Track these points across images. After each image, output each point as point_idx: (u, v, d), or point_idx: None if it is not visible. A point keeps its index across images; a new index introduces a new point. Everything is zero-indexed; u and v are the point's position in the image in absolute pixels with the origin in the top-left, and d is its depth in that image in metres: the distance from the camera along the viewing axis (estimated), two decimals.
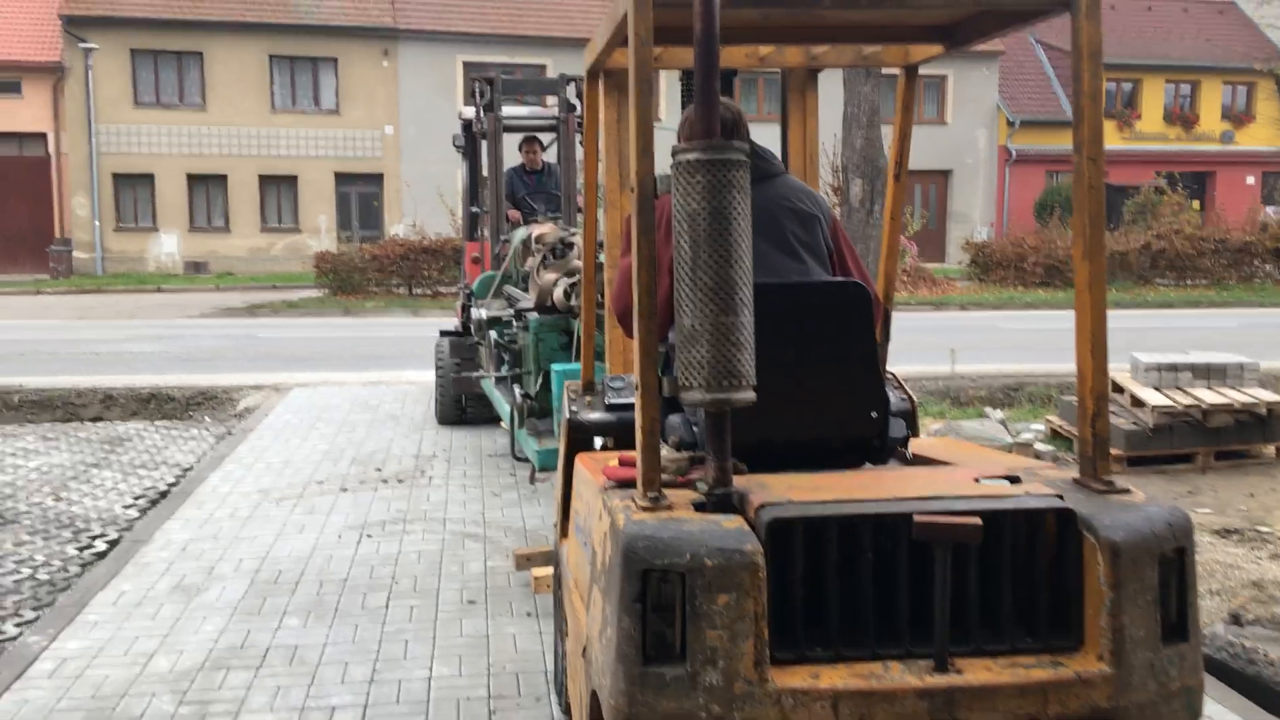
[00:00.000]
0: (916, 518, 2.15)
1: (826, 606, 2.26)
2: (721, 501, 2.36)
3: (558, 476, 3.89)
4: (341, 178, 30.32)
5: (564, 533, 3.78)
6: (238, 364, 12.63)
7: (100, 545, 5.90)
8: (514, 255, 7.23)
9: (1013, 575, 2.29)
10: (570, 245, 5.39)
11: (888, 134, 22.85)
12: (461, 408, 8.83)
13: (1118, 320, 15.33)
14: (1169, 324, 17.11)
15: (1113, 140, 36.00)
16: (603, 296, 3.88)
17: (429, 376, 10.86)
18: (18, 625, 4.79)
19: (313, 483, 7.14)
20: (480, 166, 9.57)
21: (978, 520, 2.14)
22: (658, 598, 2.24)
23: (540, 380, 5.06)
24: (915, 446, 3.16)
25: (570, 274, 5.16)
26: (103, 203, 28.84)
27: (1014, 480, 2.47)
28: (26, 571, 5.48)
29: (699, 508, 2.38)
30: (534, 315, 5.10)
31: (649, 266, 2.41)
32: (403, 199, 29.77)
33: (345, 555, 5.66)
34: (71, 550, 5.81)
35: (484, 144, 8.71)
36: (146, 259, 29.30)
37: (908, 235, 27.19)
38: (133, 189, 29.39)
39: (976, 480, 2.47)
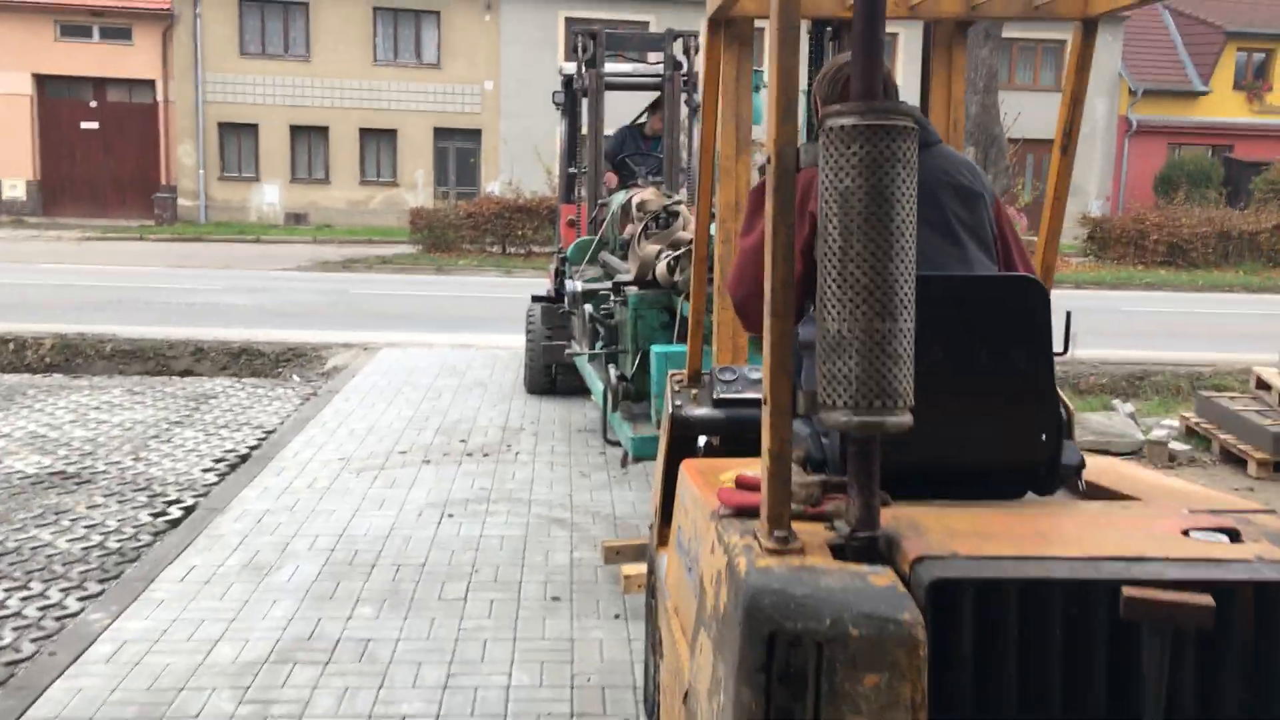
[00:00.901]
0: (1126, 591, 1.68)
1: (1000, 692, 1.81)
2: (867, 548, 1.92)
3: (656, 475, 3.48)
4: (440, 133, 30.17)
5: (662, 540, 3.37)
6: (329, 320, 12.46)
7: (175, 512, 5.67)
8: (612, 221, 6.81)
9: (1241, 664, 1.81)
10: (675, 214, 4.95)
11: (1004, 99, 21.92)
12: (551, 377, 8.47)
13: (1247, 305, 14.28)
14: None
15: (1241, 113, 34.29)
16: (714, 275, 3.44)
17: (519, 341, 10.55)
18: (81, 599, 4.55)
19: (395, 452, 6.84)
20: (580, 125, 9.16)
21: (1208, 599, 1.66)
22: (785, 666, 1.80)
23: (638, 361, 4.65)
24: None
25: (674, 246, 4.72)
26: (207, 151, 29.11)
27: (1233, 536, 1.98)
28: (97, 539, 5.25)
29: (838, 553, 1.94)
30: (633, 289, 4.69)
31: (787, 256, 1.96)
32: (500, 156, 29.55)
33: (424, 536, 5.33)
34: (145, 516, 5.58)
35: (584, 101, 8.27)
36: (248, 208, 29.55)
37: (1018, 207, 26.17)
38: (237, 138, 29.61)
39: (1186, 533, 1.98)
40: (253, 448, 6.94)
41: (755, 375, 3.33)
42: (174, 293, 14.28)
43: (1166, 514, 2.16)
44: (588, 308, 4.99)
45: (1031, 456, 2.37)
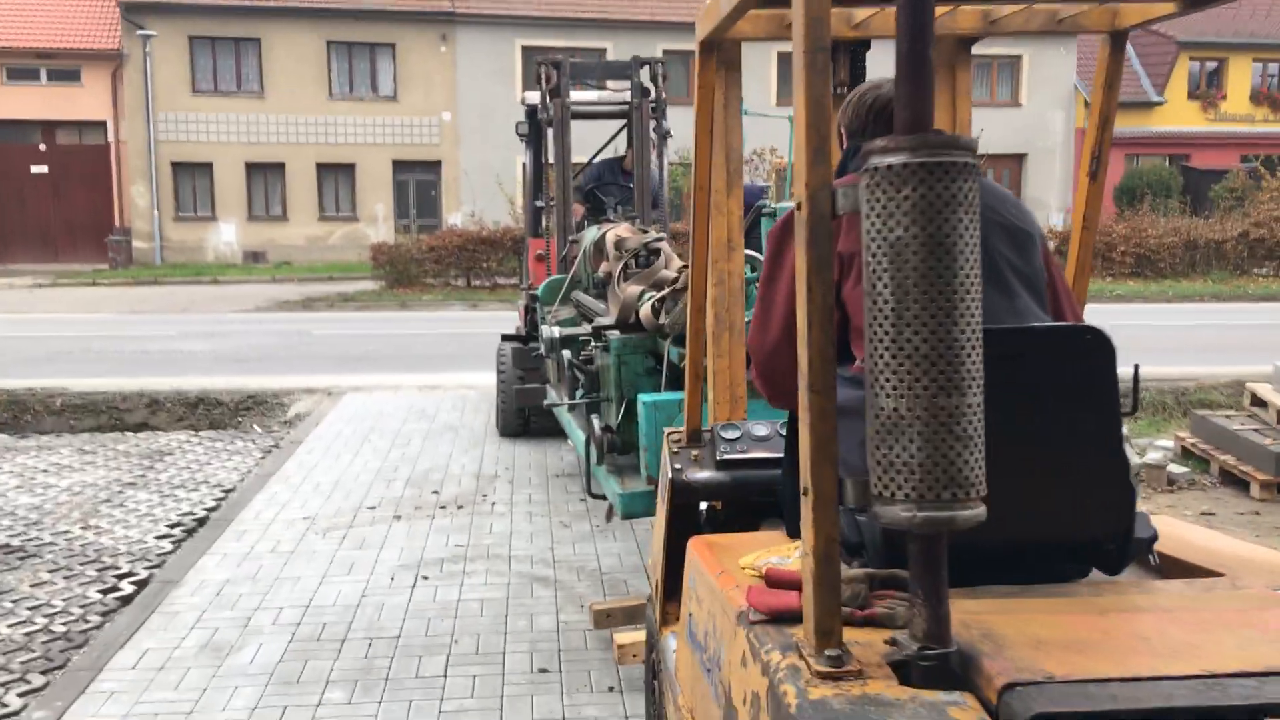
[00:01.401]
0: None
1: None
2: (939, 669, 1.60)
3: (655, 544, 3.15)
4: (399, 165, 29.81)
5: (665, 618, 3.04)
6: (290, 364, 12.03)
7: (126, 587, 5.26)
8: (584, 258, 6.49)
9: None
10: (656, 252, 4.65)
11: (1010, 115, 21.78)
12: (525, 420, 8.13)
13: (1219, 315, 14.01)
14: (1275, 319, 16.00)
15: (1196, 122, 34.56)
16: (705, 319, 3.11)
17: (488, 380, 10.21)
18: (22, 695, 4.15)
19: (364, 508, 6.46)
20: (545, 155, 8.85)
21: None
22: None
23: (623, 410, 4.33)
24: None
25: (657, 286, 4.41)
26: (161, 191, 28.58)
27: None
28: (41, 621, 4.84)
29: (901, 673, 1.62)
30: (615, 334, 4.36)
31: (824, 322, 1.64)
32: (461, 187, 29.22)
33: (398, 604, 4.96)
34: (94, 593, 5.18)
35: (549, 131, 7.97)
36: (205, 248, 29.02)
37: None
38: (191, 177, 29.10)
39: None
40: (211, 509, 6.53)
41: (761, 431, 3.02)
42: (127, 341, 13.80)
43: (1270, 602, 1.86)
44: (565, 353, 4.66)
45: (1100, 531, 2.07)
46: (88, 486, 7.04)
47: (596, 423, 4.34)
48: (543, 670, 4.28)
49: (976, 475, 1.57)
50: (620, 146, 9.12)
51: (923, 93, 1.59)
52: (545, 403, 4.75)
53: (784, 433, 3.01)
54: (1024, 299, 2.17)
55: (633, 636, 4.05)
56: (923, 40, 1.59)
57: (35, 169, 28.62)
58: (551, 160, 7.86)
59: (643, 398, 4.02)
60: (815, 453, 1.66)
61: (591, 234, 6.67)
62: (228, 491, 6.92)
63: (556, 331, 4.62)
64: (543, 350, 4.64)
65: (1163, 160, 33.92)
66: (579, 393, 4.71)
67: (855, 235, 2.20)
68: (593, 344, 4.41)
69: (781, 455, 2.95)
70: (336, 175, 29.88)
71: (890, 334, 1.57)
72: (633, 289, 4.40)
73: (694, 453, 3.00)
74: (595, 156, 9.11)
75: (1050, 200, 33.05)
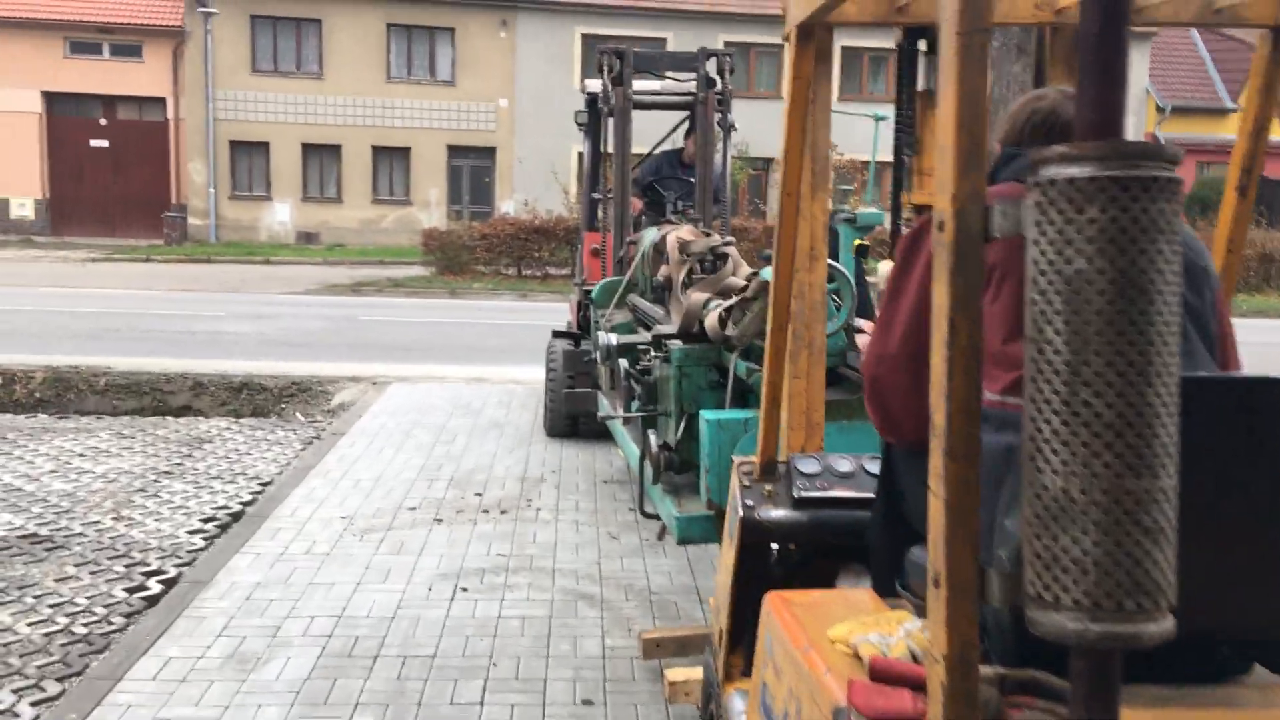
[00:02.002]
0: None
1: None
2: None
3: (721, 590, 2.82)
4: (454, 151, 29.66)
5: (730, 673, 2.72)
6: (336, 350, 11.84)
7: (154, 586, 5.02)
8: (643, 259, 6.18)
9: None
10: (723, 257, 4.31)
11: None
12: (573, 421, 7.83)
13: None
14: None
15: (1273, 131, 33.54)
16: (782, 338, 2.77)
17: (537, 375, 9.92)
18: (35, 704, 3.91)
19: (404, 509, 6.19)
20: (604, 146, 8.54)
21: None
22: None
23: (682, 426, 4.01)
24: None
25: (724, 294, 4.08)
26: (219, 170, 28.64)
27: None
28: (62, 621, 4.61)
29: None
30: (676, 344, 4.04)
31: (970, 365, 1.31)
32: (515, 175, 29.00)
33: (435, 618, 4.68)
34: (120, 591, 4.94)
35: (610, 121, 7.65)
36: (259, 227, 29.06)
37: None
38: (248, 156, 29.15)
39: None
40: (246, 503, 6.29)
41: (844, 466, 2.68)
42: (175, 320, 13.69)
43: None
44: (623, 362, 4.35)
45: (1272, 622, 1.71)
46: (123, 474, 6.83)
47: (653, 438, 4.02)
48: (586, 702, 3.97)
49: (1167, 580, 1.24)
50: (679, 139, 8.79)
51: (1114, 90, 1.25)
52: (600, 415, 4.43)
53: (872, 469, 2.68)
54: (1196, 345, 1.83)
55: (686, 673, 3.73)
56: (1117, 24, 1.25)
57: (95, 143, 28.81)
58: (610, 151, 7.53)
59: (705, 414, 3.70)
60: (952, 534, 1.33)
61: (650, 235, 6.35)
62: (265, 485, 6.68)
63: (614, 339, 4.30)
64: (597, 357, 4.33)
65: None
66: (634, 405, 4.39)
67: (999, 247, 1.88)
68: (652, 354, 4.09)
69: (868, 496, 2.62)
70: (391, 159, 29.79)
71: (1062, 394, 1.24)
72: (697, 296, 4.07)
73: (767, 487, 2.67)
74: (655, 148, 8.80)
75: None
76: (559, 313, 15.58)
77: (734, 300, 3.91)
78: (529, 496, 6.49)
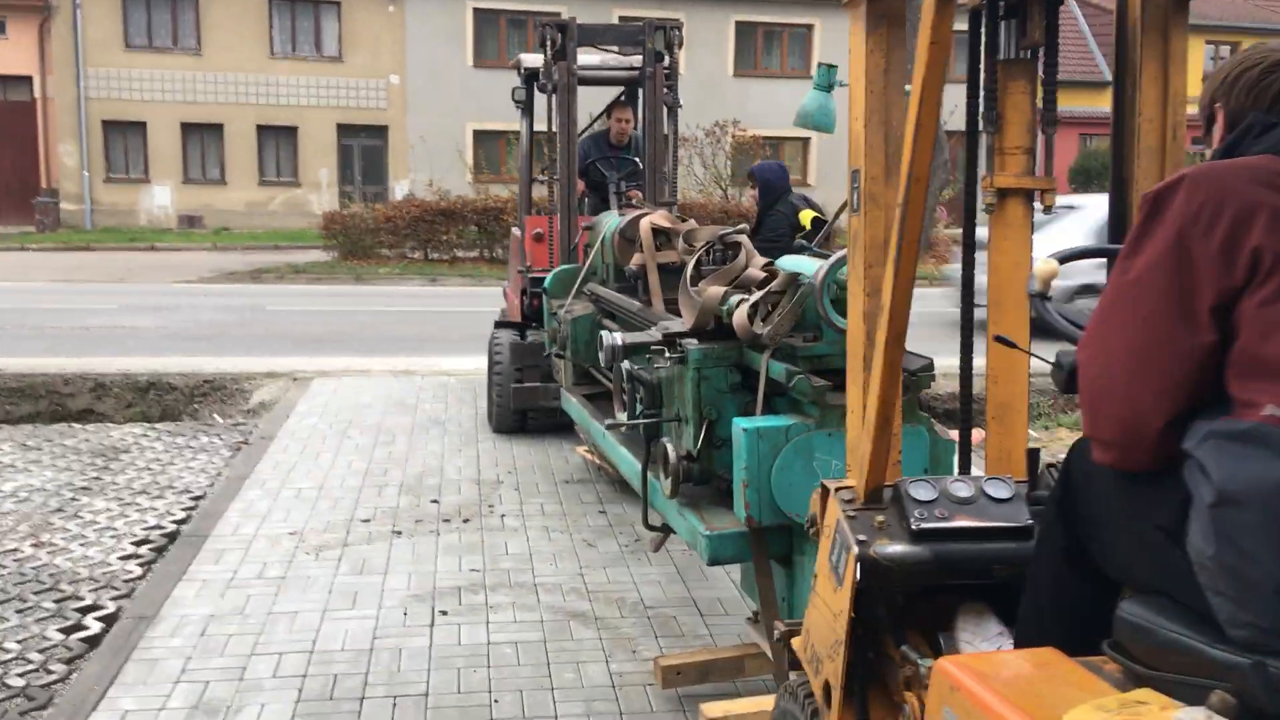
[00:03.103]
0: None
1: None
2: None
3: (820, 636, 2.47)
4: (344, 130, 28.70)
5: None
6: (245, 344, 11.16)
7: (92, 624, 4.48)
8: (606, 246, 5.79)
9: None
10: (735, 246, 3.96)
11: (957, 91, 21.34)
12: (522, 416, 7.42)
13: None
14: None
15: None
16: (898, 350, 2.41)
17: (468, 366, 9.50)
18: None
19: (356, 522, 5.72)
20: (525, 127, 8.10)
21: None
22: None
23: (703, 434, 3.66)
24: None
25: (743, 286, 3.73)
26: (91, 151, 27.19)
27: None
28: None
29: None
30: (692, 343, 3.68)
31: None
32: (410, 154, 28.16)
33: (419, 647, 4.25)
34: (54, 632, 4.39)
35: (552, 100, 7.21)
36: (138, 211, 27.71)
37: (941, 201, 25.70)
38: (123, 137, 27.75)
39: None
40: (180, 522, 5.74)
41: (960, 491, 2.36)
42: (65, 314, 12.79)
43: None
44: (624, 364, 3.97)
45: None
46: (35, 491, 6.19)
47: (670, 448, 3.66)
48: None
49: None
50: (602, 120, 8.40)
51: None
52: (607, 423, 4.04)
53: (995, 492, 2.37)
54: None
55: (725, 708, 3.40)
56: None
57: None
58: (556, 129, 7.11)
59: (741, 423, 3.35)
60: None
61: (611, 221, 5.96)
62: (197, 499, 6.12)
63: (619, 338, 3.92)
64: (602, 360, 3.95)
65: None
66: (637, 410, 4.02)
67: (1267, 225, 1.57)
68: (666, 354, 3.73)
69: (996, 525, 2.31)
70: (277, 138, 28.70)
71: None
72: (714, 290, 3.71)
73: (878, 518, 2.33)
74: (583, 132, 8.34)
75: None
76: (474, 298, 15.09)
77: (759, 294, 3.57)
78: (489, 502, 6.07)
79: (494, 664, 4.13)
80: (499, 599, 4.74)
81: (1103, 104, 31.84)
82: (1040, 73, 2.87)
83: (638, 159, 8.04)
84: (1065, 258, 2.25)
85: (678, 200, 7.46)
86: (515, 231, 8.74)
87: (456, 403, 8.52)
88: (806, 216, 7.01)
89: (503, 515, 5.85)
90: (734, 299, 3.69)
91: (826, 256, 3.70)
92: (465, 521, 5.74)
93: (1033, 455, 2.40)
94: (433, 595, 4.77)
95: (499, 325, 7.73)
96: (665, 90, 7.30)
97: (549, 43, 7.05)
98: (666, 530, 4.21)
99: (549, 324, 6.38)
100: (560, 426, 7.37)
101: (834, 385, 3.38)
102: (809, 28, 30.49)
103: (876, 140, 2.73)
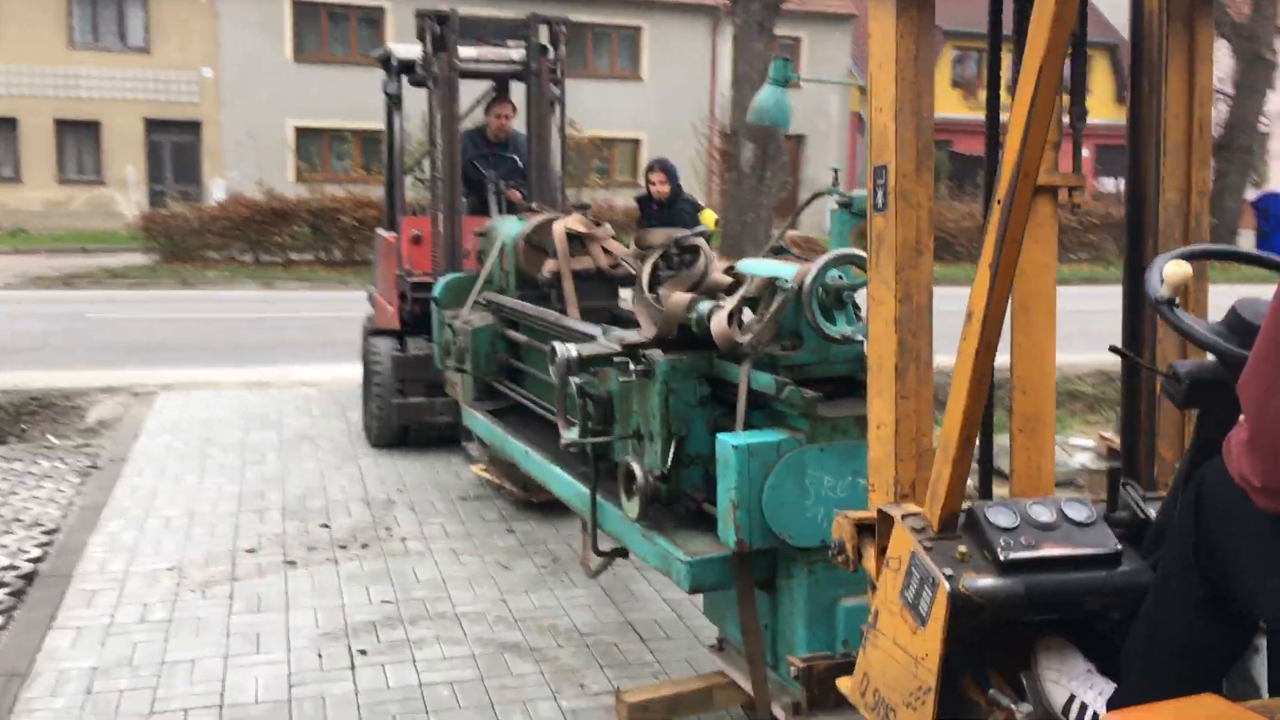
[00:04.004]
0: None
1: None
2: None
3: (900, 677, 2.23)
4: (153, 125, 27.06)
5: None
6: (69, 356, 10.24)
7: None
8: (508, 252, 5.47)
9: None
10: (694, 249, 3.70)
11: (801, 97, 21.72)
12: (404, 430, 6.99)
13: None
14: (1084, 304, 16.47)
15: (959, 109, 36.00)
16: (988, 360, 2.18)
17: (328, 375, 8.98)
18: None
19: (241, 552, 5.21)
20: (396, 122, 7.66)
21: None
22: None
23: (672, 452, 3.39)
24: None
25: (710, 293, 3.49)
26: None
27: None
28: None
29: None
30: (658, 354, 3.41)
31: None
32: (225, 151, 26.80)
33: (343, 694, 3.84)
34: None
35: (432, 94, 6.80)
36: None
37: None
38: None
39: None
40: (37, 560, 5.10)
41: (1043, 515, 2.18)
42: None
43: None
44: (574, 380, 3.66)
45: None
46: None
47: (636, 467, 3.38)
48: None
49: None
50: (478, 117, 8.04)
51: None
52: (562, 443, 3.70)
53: (1075, 515, 2.19)
54: None
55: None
56: None
57: None
58: (437, 124, 6.69)
59: (730, 439, 3.10)
60: None
61: (509, 225, 5.63)
62: (51, 533, 5.47)
63: (573, 350, 3.60)
64: (553, 374, 3.61)
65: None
66: (578, 428, 3.72)
67: None
68: (631, 366, 3.45)
69: (1088, 552, 2.13)
70: (79, 134, 26.89)
71: None
72: (679, 296, 3.46)
73: (960, 549, 2.12)
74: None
75: (829, 182, 33.60)
76: (315, 303, 14.40)
77: (733, 301, 3.33)
78: (386, 524, 5.64)
79: (432, 709, 3.76)
80: (421, 633, 4.35)
81: (941, 109, 32.66)
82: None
83: (516, 157, 7.71)
84: (1191, 256, 2.08)
85: (560, 199, 7.16)
86: (383, 234, 8.25)
87: (323, 416, 7.98)
88: (709, 217, 6.87)
89: (403, 538, 5.43)
90: (703, 305, 3.43)
91: (797, 258, 3.49)
92: (364, 547, 5.30)
93: (1113, 475, 2.24)
94: (346, 633, 4.35)
95: (374, 334, 7.26)
96: (552, 85, 6.99)
97: (428, 34, 6.65)
98: (614, 555, 3.93)
99: (439, 336, 6.00)
100: (444, 440, 6.98)
101: (825, 396, 3.18)
102: (637, 29, 30.53)
103: (908, 134, 2.52)
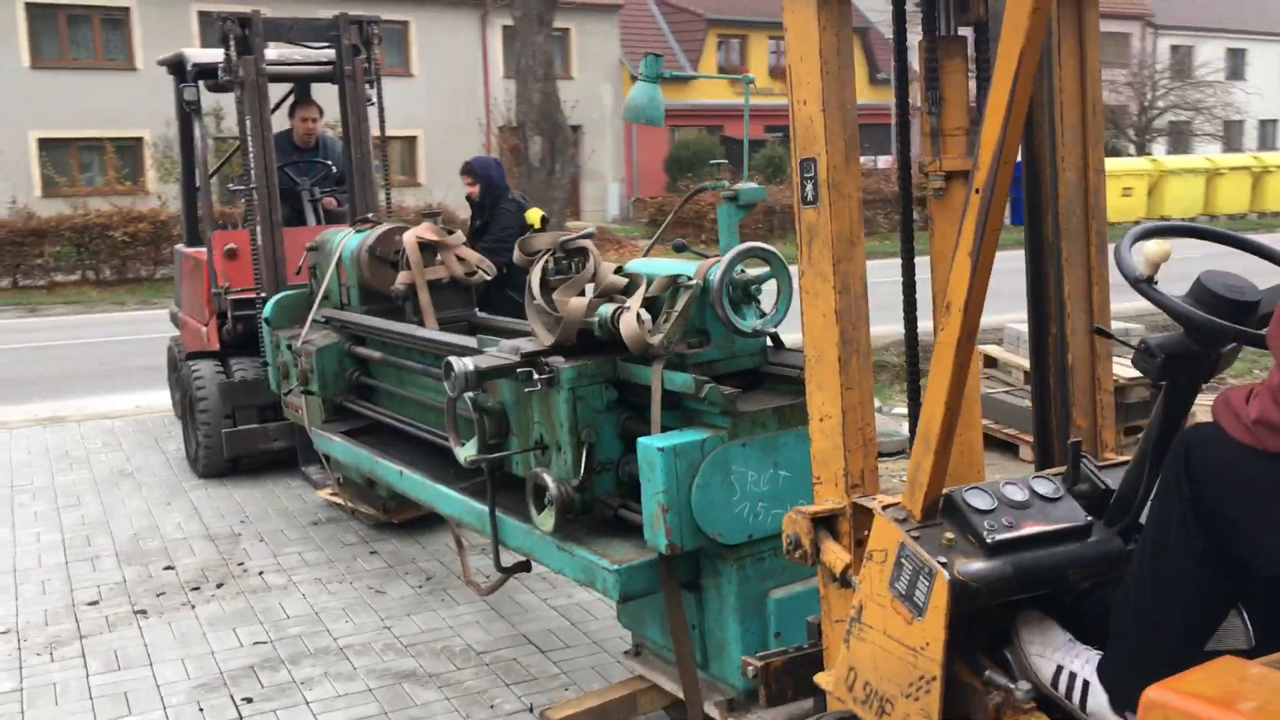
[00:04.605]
0: None
1: None
2: None
3: (897, 668, 2.24)
4: None
5: None
6: None
7: None
8: (347, 267, 5.26)
9: None
10: (581, 252, 3.61)
11: (563, 87, 21.64)
12: (234, 460, 6.60)
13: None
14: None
15: (726, 95, 36.98)
16: (968, 352, 2.20)
17: (127, 404, 8.44)
18: None
19: (82, 605, 4.80)
20: (197, 130, 7.22)
21: None
22: None
23: (584, 460, 3.31)
24: None
25: (605, 295, 3.41)
26: None
27: None
28: None
29: None
30: (560, 361, 3.32)
31: None
32: None
33: None
34: None
35: (241, 101, 6.42)
36: None
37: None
38: None
39: None
40: None
41: (1014, 494, 2.24)
42: None
43: None
44: (468, 395, 3.51)
45: None
46: None
47: (549, 478, 3.28)
48: None
49: None
50: (279, 121, 7.68)
51: None
52: (467, 459, 3.52)
53: (1042, 490, 2.26)
54: None
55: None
56: None
57: None
58: (249, 131, 6.32)
59: (655, 441, 3.05)
60: None
61: (343, 237, 5.40)
62: None
63: (470, 364, 3.42)
64: (450, 389, 3.43)
65: (700, 132, 35.99)
66: (485, 441, 3.58)
67: None
68: (535, 376, 3.33)
69: (1063, 526, 2.20)
70: None
71: None
72: (578, 300, 3.37)
73: (946, 535, 2.15)
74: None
75: (606, 171, 33.96)
76: (92, 327, 13.47)
77: (634, 301, 3.27)
78: (237, 559, 5.31)
79: None
80: (306, 672, 4.12)
81: (687, 97, 33.41)
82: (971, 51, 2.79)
83: (329, 161, 7.41)
84: (1148, 234, 2.16)
85: (374, 203, 6.90)
86: (185, 250, 7.76)
87: (135, 449, 7.44)
88: (535, 215, 6.75)
89: (260, 572, 5.13)
90: (605, 308, 3.37)
91: (700, 255, 3.48)
92: (219, 586, 4.97)
93: (1075, 447, 2.31)
94: (223, 681, 4.06)
95: (192, 356, 6.82)
96: (367, 86, 6.73)
97: (233, 38, 6.27)
98: (514, 571, 3.83)
99: (275, 358, 5.70)
100: (277, 464, 6.64)
101: (741, 391, 3.18)
102: (404, 25, 29.89)
103: (835, 125, 2.54)
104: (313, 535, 5.62)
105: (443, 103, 29.42)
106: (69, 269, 16.78)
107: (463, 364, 3.43)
